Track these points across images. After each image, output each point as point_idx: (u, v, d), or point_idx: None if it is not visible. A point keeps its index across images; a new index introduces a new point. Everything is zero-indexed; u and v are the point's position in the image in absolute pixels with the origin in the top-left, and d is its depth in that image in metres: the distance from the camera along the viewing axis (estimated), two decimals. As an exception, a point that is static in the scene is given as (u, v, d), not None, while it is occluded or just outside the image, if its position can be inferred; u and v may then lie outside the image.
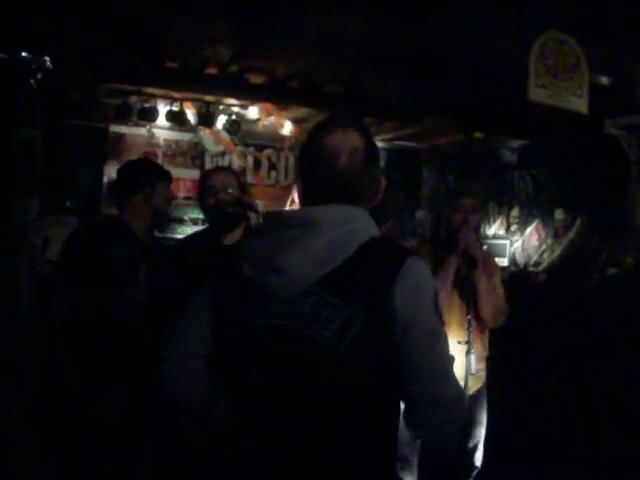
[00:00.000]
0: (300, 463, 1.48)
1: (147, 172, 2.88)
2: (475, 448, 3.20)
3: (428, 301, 1.50)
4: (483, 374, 3.20)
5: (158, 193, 2.86)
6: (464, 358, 2.85)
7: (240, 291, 1.56)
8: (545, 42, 3.69)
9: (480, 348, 3.14)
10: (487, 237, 7.76)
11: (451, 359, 1.58)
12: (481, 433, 3.21)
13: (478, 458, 3.23)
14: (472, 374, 2.90)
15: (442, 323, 1.54)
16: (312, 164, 1.62)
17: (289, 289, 1.49)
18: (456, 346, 2.89)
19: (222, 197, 2.83)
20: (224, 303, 1.59)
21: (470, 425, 3.14)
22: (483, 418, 3.20)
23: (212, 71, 5.89)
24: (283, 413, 1.50)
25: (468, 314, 2.92)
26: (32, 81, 5.18)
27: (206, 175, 3.07)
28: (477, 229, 3.26)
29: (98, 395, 2.56)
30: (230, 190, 2.84)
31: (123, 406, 2.55)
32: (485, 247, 3.79)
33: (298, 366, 1.49)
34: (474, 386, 3.11)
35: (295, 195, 7.67)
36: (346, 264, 1.47)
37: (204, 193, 2.91)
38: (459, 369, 2.86)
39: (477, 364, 3.08)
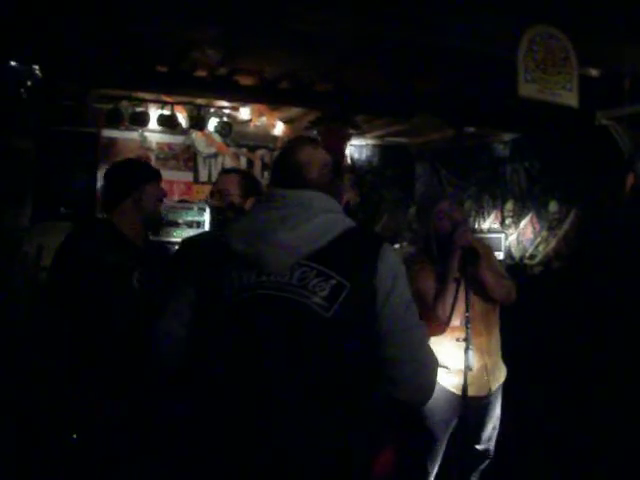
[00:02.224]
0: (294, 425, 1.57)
1: (134, 174, 2.78)
2: (488, 439, 3.21)
3: (402, 277, 1.69)
4: (503, 368, 3.20)
5: (148, 194, 2.76)
6: (463, 355, 2.84)
7: (227, 266, 1.68)
8: (533, 36, 3.69)
9: (494, 342, 3.16)
10: (482, 231, 7.77)
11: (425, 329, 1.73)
12: (496, 425, 3.21)
13: (490, 450, 3.23)
14: (471, 370, 2.88)
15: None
16: (285, 175, 1.78)
17: (280, 261, 1.63)
18: (455, 344, 2.89)
19: (216, 202, 2.91)
20: (210, 278, 1.70)
21: (485, 417, 3.14)
22: (498, 410, 3.20)
23: (202, 74, 5.89)
24: (277, 376, 1.58)
25: (467, 311, 2.90)
26: (22, 90, 5.17)
27: (218, 177, 3.18)
28: (466, 223, 3.27)
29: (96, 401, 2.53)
30: (230, 193, 2.86)
31: (124, 411, 2.53)
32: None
33: (288, 331, 1.60)
34: (497, 381, 3.14)
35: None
36: (332, 244, 1.65)
37: (211, 195, 3.01)
38: (459, 366, 2.86)
39: (495, 357, 3.13)
